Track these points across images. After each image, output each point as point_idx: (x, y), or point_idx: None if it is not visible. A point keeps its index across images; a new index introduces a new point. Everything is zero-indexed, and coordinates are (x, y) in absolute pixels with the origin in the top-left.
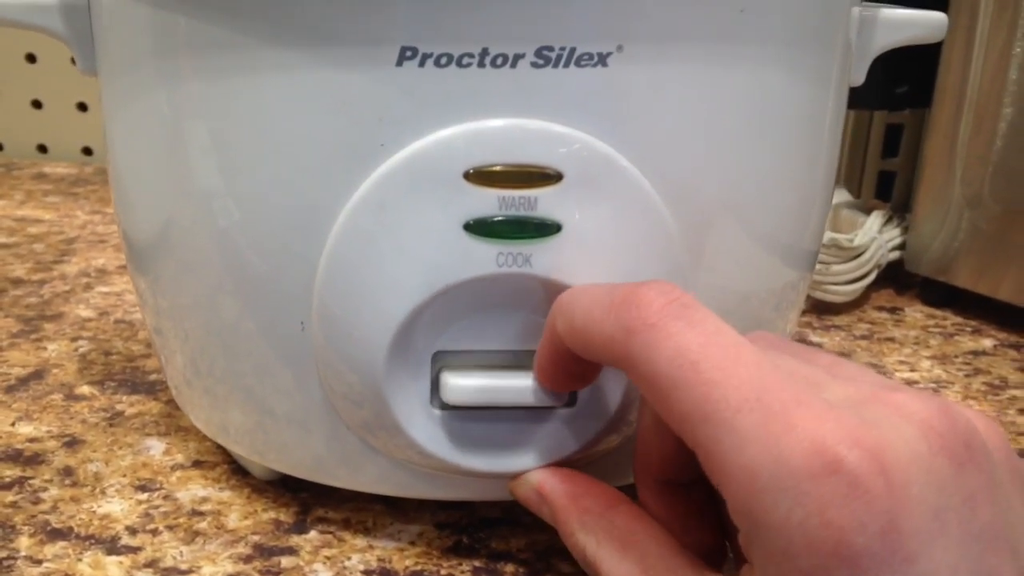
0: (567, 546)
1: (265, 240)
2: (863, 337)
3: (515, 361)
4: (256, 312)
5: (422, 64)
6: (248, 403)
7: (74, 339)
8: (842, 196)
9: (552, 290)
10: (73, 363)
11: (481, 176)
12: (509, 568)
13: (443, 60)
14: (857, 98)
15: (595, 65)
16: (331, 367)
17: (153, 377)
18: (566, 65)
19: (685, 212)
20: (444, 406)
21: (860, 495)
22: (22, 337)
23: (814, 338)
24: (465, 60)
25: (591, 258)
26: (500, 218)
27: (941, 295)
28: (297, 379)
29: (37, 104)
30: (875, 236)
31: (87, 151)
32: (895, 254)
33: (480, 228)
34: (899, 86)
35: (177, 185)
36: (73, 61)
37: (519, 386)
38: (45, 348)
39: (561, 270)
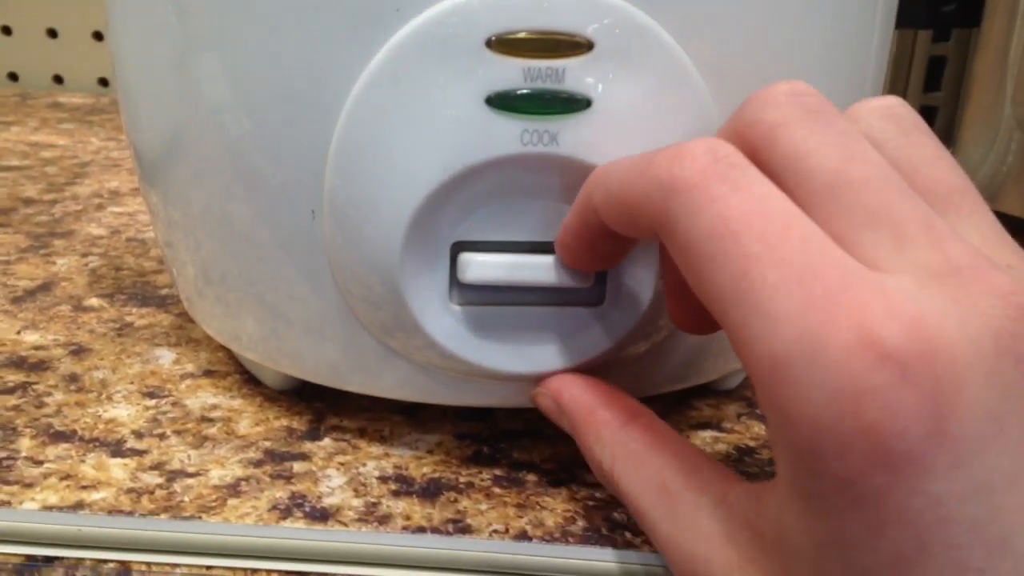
0: (586, 459)
1: (273, 126)
2: None
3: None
4: (266, 207)
5: None
6: (261, 310)
7: (84, 255)
8: None
9: (580, 172)
10: (83, 277)
11: (504, 44)
12: (532, 477)
13: None
14: (903, 16)
15: None
16: (344, 261)
17: (164, 291)
18: None
19: (727, 94)
20: (464, 301)
21: (904, 396)
22: (31, 252)
23: None
24: None
25: (623, 138)
26: (525, 91)
27: None
28: (310, 281)
29: (52, 33)
30: None
31: (103, 82)
32: None
33: (503, 102)
34: (946, 4)
35: (183, 83)
36: None
37: (541, 263)
38: (54, 263)
39: (590, 149)
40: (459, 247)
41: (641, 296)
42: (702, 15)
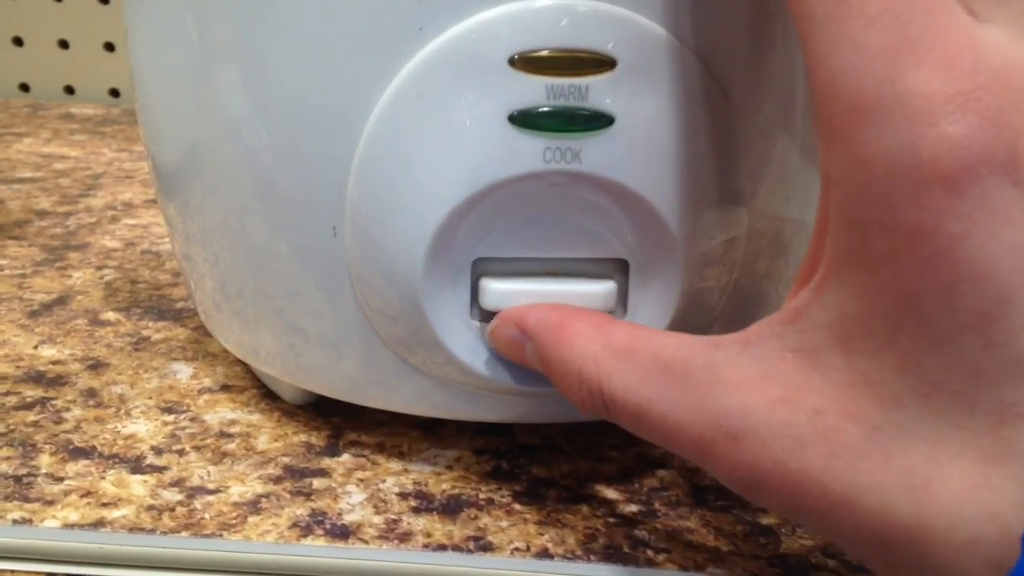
0: (560, 389)
1: (296, 141)
2: None
3: (560, 269)
4: (286, 222)
5: None
6: (279, 324)
7: (99, 268)
8: None
9: (603, 188)
10: (98, 290)
11: (527, 62)
12: (552, 493)
13: None
14: None
15: None
16: (365, 276)
17: (180, 305)
18: None
19: (749, 110)
20: (484, 317)
21: (983, 145)
22: (46, 265)
23: None
24: None
25: (646, 155)
26: (548, 108)
27: None
28: (329, 295)
29: (64, 44)
30: None
31: (114, 92)
32: None
33: (526, 120)
34: None
35: (203, 95)
36: None
37: (563, 291)
38: (70, 276)
39: (613, 167)
40: (481, 263)
41: (662, 312)
42: (725, 32)
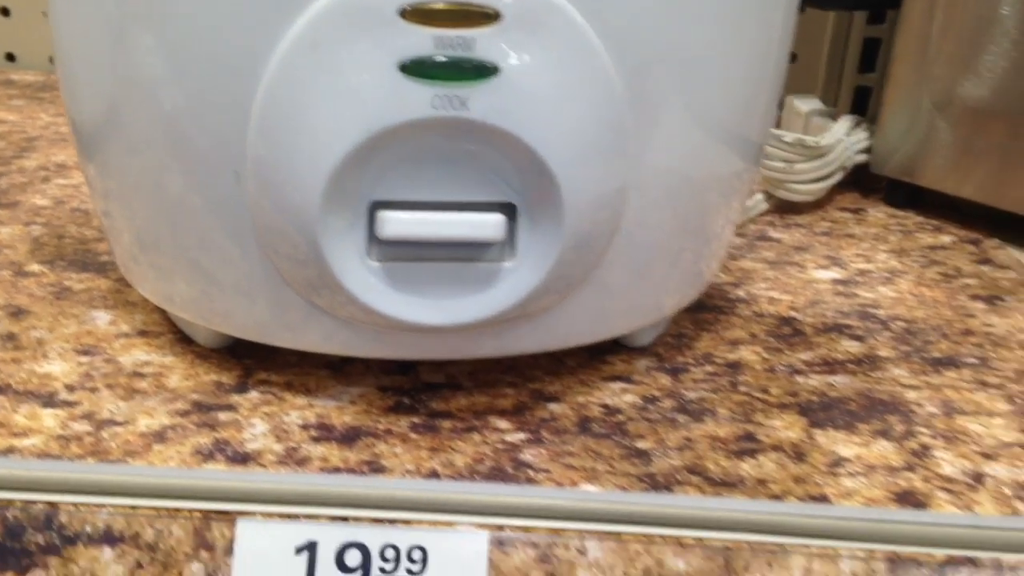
0: None
1: (200, 92)
2: (823, 233)
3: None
4: (192, 171)
5: None
6: (192, 272)
7: (28, 223)
8: (815, 105)
9: (489, 135)
10: (25, 244)
11: (417, 14)
12: (447, 424)
13: None
14: None
15: None
16: (268, 222)
17: (104, 259)
18: None
19: (629, 65)
20: (382, 258)
21: None
22: None
23: (774, 234)
24: None
25: (529, 104)
26: (436, 58)
27: (906, 196)
28: (237, 241)
29: (5, 12)
30: (841, 138)
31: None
32: (861, 157)
33: (416, 69)
34: None
35: (115, 55)
36: None
37: (454, 219)
38: None
39: (498, 114)
40: (377, 206)
41: (548, 252)
42: None
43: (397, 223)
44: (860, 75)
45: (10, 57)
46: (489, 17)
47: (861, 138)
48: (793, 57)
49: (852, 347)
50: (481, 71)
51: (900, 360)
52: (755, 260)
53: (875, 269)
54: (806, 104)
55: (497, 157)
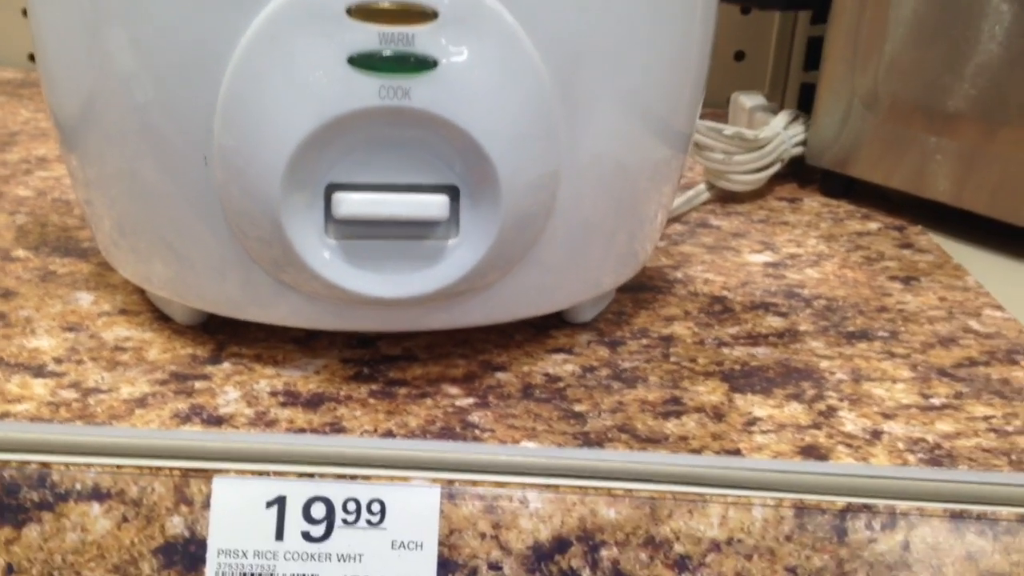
0: None
1: (170, 83)
2: (760, 221)
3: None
4: (164, 158)
5: None
6: (168, 253)
7: (12, 213)
8: (759, 100)
9: (430, 122)
10: (10, 232)
11: (363, 12)
12: (402, 391)
13: None
14: None
15: None
16: (234, 204)
17: (86, 245)
18: None
19: (556, 60)
20: (339, 236)
21: None
22: None
23: (714, 221)
24: None
25: (466, 94)
26: (381, 53)
27: (839, 186)
28: (207, 223)
29: None
30: (779, 131)
31: (32, 57)
32: (799, 149)
33: (362, 62)
34: None
35: (92, 50)
36: None
37: (401, 200)
38: None
39: (438, 103)
40: (333, 188)
41: (488, 231)
42: None
43: (351, 203)
44: (805, 72)
45: None
46: (428, 15)
47: (798, 132)
48: (741, 55)
49: (776, 323)
50: (422, 64)
51: (818, 334)
52: (694, 245)
53: (804, 253)
54: (750, 100)
55: (440, 143)
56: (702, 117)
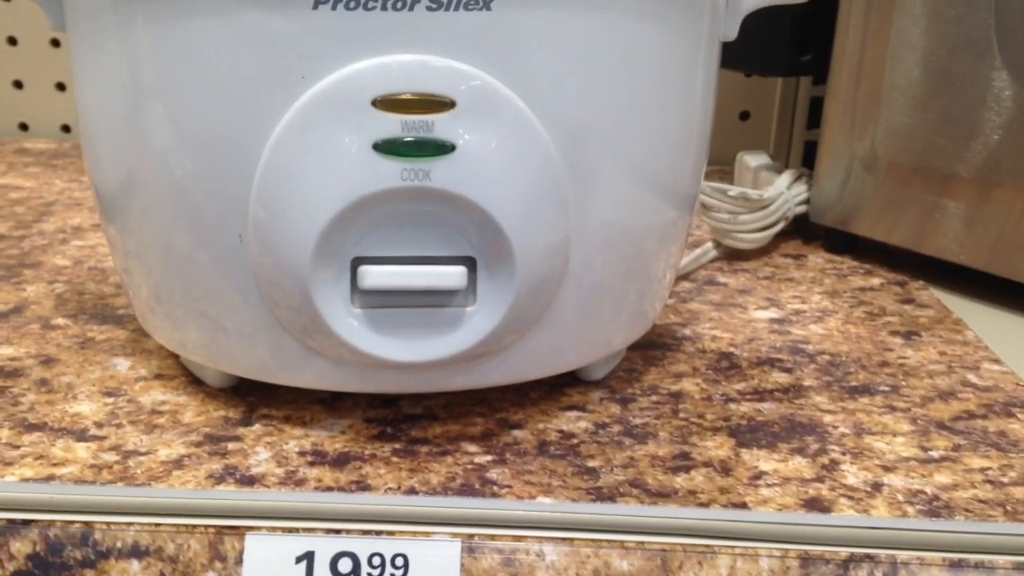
0: None
1: (209, 166)
2: (766, 278)
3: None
4: (203, 233)
5: (334, 8)
6: (203, 320)
7: (51, 282)
8: (763, 160)
9: (449, 200)
10: (50, 301)
11: (386, 103)
12: (424, 449)
13: (351, 4)
14: (768, 65)
15: (480, 9)
16: (267, 276)
17: (122, 312)
18: (455, 9)
19: (564, 138)
20: (364, 305)
21: None
22: (3, 281)
23: (721, 279)
24: (370, 4)
25: (481, 174)
26: (403, 139)
27: (842, 243)
28: (240, 294)
29: (18, 84)
30: (783, 191)
31: (65, 128)
32: (802, 208)
33: (386, 147)
34: (804, 55)
35: (135, 130)
36: (52, 43)
37: (421, 271)
38: (24, 289)
39: (456, 183)
40: (358, 261)
41: (504, 298)
42: (543, 79)
43: (376, 275)
44: (809, 131)
45: (23, 126)
46: (446, 105)
47: (801, 191)
48: (746, 115)
49: (781, 378)
50: (441, 148)
51: (822, 389)
52: (702, 303)
53: (809, 309)
54: (755, 159)
55: (457, 218)
56: (709, 176)
